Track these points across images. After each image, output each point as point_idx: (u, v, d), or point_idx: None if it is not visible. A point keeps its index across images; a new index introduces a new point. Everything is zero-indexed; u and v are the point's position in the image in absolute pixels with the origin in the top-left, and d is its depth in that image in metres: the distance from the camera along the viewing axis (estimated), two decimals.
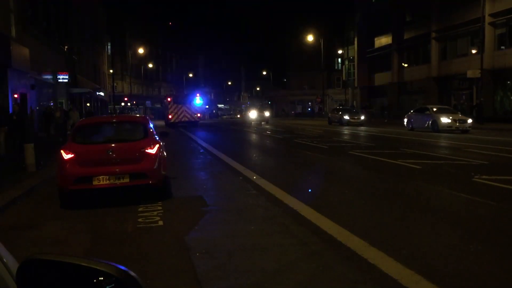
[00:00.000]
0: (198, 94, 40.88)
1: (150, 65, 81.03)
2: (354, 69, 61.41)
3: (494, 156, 13.79)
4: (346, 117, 36.69)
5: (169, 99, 40.09)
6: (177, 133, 28.95)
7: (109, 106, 59.22)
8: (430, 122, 25.37)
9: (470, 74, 32.89)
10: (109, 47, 63.51)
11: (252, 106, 57.88)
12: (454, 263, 4.73)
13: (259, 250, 5.28)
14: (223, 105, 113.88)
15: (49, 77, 28.93)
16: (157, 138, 8.61)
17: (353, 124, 35.64)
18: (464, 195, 7.97)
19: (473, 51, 36.45)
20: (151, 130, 8.68)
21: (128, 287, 1.19)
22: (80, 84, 38.15)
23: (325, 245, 5.37)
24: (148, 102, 77.99)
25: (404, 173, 10.78)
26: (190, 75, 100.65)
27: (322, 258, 4.93)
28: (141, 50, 71.85)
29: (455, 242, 5.47)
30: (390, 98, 49.42)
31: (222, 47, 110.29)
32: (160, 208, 7.67)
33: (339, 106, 49.28)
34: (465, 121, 24.58)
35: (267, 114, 47.99)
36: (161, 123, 40.03)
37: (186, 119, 37.63)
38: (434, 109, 26.35)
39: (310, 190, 9.02)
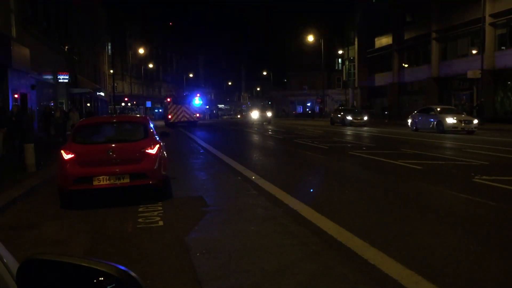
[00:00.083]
0: (198, 95, 41.50)
1: (150, 65, 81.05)
2: (354, 69, 61.40)
3: (501, 157, 13.78)
4: (349, 117, 36.16)
5: (168, 99, 41.52)
6: (177, 133, 28.96)
7: (109, 107, 59.22)
8: (435, 123, 25.05)
9: (470, 74, 32.89)
10: (109, 47, 63.52)
11: (254, 106, 57.74)
12: (454, 263, 4.72)
13: (259, 250, 5.28)
14: (223, 105, 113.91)
15: (49, 77, 28.95)
16: (158, 138, 8.61)
17: (356, 124, 35.14)
18: (464, 195, 7.97)
19: (474, 52, 36.44)
20: (152, 130, 8.68)
21: (128, 287, 1.19)
22: (80, 84, 38.17)
23: (325, 245, 5.37)
24: (148, 103, 77.99)
25: (405, 173, 10.77)
26: (190, 75, 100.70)
27: (322, 259, 4.93)
28: (141, 50, 71.87)
29: (455, 242, 5.47)
30: (390, 99, 49.41)
31: (222, 47, 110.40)
32: (160, 208, 7.68)
33: (341, 106, 49.04)
34: (471, 122, 24.23)
35: (269, 114, 47.63)
36: (161, 123, 40.41)
37: (185, 119, 38.67)
38: (439, 110, 26.06)
39: (311, 191, 9.02)
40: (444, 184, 9.16)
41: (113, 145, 8.12)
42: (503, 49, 33.95)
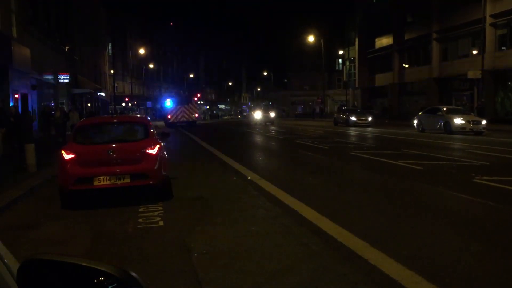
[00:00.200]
0: (198, 95, 42.16)
1: (151, 66, 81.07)
2: (354, 69, 61.36)
3: (503, 157, 13.77)
4: (353, 118, 35.62)
5: (168, 100, 42.36)
6: (177, 133, 28.96)
7: (109, 107, 59.24)
8: (442, 123, 24.56)
9: (471, 75, 32.85)
10: (109, 47, 63.52)
11: (257, 106, 56.98)
12: (454, 264, 4.72)
13: (260, 251, 5.28)
14: (223, 106, 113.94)
15: (50, 77, 28.96)
16: (158, 139, 8.61)
17: (360, 125, 34.59)
18: (465, 195, 7.96)
19: (474, 52, 36.41)
20: (152, 130, 8.68)
21: (129, 287, 1.19)
22: (81, 85, 38.19)
23: (326, 246, 5.37)
24: (148, 103, 78.00)
25: (405, 173, 10.77)
26: (191, 75, 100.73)
27: (323, 259, 4.93)
28: (141, 51, 71.85)
29: (456, 242, 5.47)
30: (391, 99, 49.40)
31: (223, 48, 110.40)
32: (161, 208, 7.68)
33: (343, 107, 48.76)
34: (479, 123, 23.63)
35: (272, 114, 46.88)
36: (161, 123, 40.75)
37: (185, 119, 39.67)
38: (446, 110, 25.61)
39: (311, 191, 9.02)
40: (445, 184, 9.14)
41: (114, 145, 8.13)
42: (503, 49, 33.93)
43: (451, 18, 38.70)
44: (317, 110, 66.72)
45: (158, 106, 63.57)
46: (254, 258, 5.02)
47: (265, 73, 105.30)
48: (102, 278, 1.19)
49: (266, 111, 47.70)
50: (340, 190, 9.19)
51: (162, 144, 8.53)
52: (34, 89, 24.84)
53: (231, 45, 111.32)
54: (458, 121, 23.77)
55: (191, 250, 5.40)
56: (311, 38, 64.73)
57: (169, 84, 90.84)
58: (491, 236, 5.74)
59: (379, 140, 21.95)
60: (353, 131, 29.17)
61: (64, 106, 32.28)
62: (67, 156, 7.81)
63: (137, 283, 1.20)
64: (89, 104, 45.02)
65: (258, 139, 25.53)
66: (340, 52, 71.64)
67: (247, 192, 9.01)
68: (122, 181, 7.80)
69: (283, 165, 13.96)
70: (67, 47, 33.61)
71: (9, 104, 19.61)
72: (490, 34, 33.69)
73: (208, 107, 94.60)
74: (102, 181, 7.73)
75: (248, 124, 44.59)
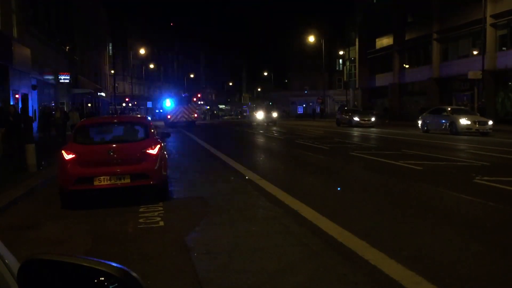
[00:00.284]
0: (198, 95, 42.42)
1: (151, 66, 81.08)
2: (355, 70, 61.33)
3: (504, 158, 13.77)
4: (356, 118, 35.21)
5: (168, 100, 42.69)
6: (177, 133, 28.96)
7: (110, 107, 59.26)
8: (448, 124, 24.17)
9: (471, 75, 32.83)
10: (110, 47, 63.55)
11: (259, 106, 56.23)
12: (455, 264, 4.72)
13: (260, 251, 5.28)
14: (224, 106, 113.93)
15: (50, 77, 28.97)
16: (158, 139, 8.61)
17: (363, 125, 34.21)
18: (465, 196, 7.96)
19: (475, 52, 36.40)
20: (152, 130, 8.69)
21: (129, 287, 1.19)
22: (81, 85, 38.22)
23: (326, 246, 5.37)
24: (149, 103, 78.03)
25: (406, 173, 10.77)
26: (191, 75, 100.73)
27: (323, 259, 4.93)
28: (142, 51, 71.87)
29: (456, 243, 5.47)
30: (391, 99, 49.36)
31: (223, 48, 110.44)
32: (161, 208, 7.68)
33: (344, 107, 48.51)
34: (485, 123, 23.23)
35: (274, 115, 45.97)
36: (161, 123, 40.98)
37: (184, 119, 39.92)
38: (451, 110, 25.30)
39: (311, 191, 9.01)
40: (445, 184, 9.14)
41: (114, 145, 8.14)
42: (504, 49, 33.91)
43: (451, 18, 38.68)
44: (318, 110, 66.70)
45: (158, 107, 63.81)
46: (254, 258, 5.02)
47: (265, 73, 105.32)
48: (102, 278, 1.19)
49: (268, 111, 46.91)
50: (340, 190, 9.19)
51: (162, 144, 8.53)
52: (35, 89, 24.84)
53: (232, 45, 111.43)
54: (464, 121, 23.37)
55: (191, 250, 5.40)
56: (311, 39, 64.74)
57: (170, 84, 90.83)
58: (491, 236, 5.74)
59: (382, 140, 21.86)
60: (355, 132, 29.01)
61: (65, 106, 32.28)
62: (67, 156, 7.81)
63: (137, 283, 1.20)
64: (89, 104, 45.03)
65: (258, 139, 25.51)
66: (341, 52, 71.67)
67: (247, 192, 9.01)
68: (122, 181, 7.80)
69: (283, 165, 13.95)
70: (67, 47, 33.62)
71: (10, 104, 19.60)
72: (490, 34, 33.67)
73: (208, 107, 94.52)
74: (103, 181, 7.73)
75: (249, 124, 44.41)
